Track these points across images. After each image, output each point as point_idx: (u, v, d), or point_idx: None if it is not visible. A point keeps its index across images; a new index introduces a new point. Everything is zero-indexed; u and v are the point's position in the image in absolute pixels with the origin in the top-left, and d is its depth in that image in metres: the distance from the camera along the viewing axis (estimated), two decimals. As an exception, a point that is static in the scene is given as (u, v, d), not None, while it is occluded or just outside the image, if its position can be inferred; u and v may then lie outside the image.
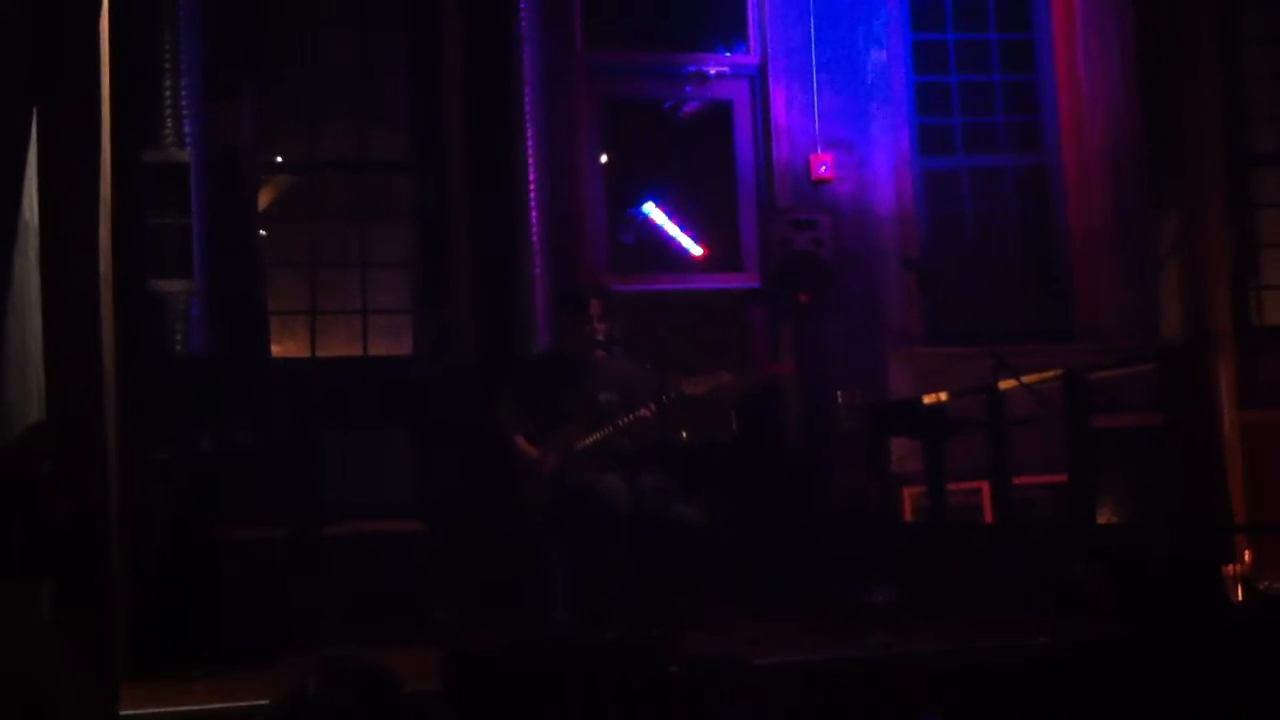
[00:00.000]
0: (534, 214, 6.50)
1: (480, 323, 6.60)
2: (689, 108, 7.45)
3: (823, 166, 7.24)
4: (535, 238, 6.51)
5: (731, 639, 5.07)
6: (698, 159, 7.49)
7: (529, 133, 6.53)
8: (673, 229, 7.40)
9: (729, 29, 7.43)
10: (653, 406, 5.37)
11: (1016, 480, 6.20)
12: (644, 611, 5.11)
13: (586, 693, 3.88)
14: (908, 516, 6.88)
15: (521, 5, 6.57)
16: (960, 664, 4.66)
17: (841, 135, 7.32)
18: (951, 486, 6.35)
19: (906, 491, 6.86)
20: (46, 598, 3.98)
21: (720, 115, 7.39)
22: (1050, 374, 5.98)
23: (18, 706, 1.89)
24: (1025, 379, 5.73)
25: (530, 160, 6.52)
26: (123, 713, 4.18)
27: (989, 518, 6.60)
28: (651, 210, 7.38)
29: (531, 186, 6.51)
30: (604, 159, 7.23)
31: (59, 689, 1.94)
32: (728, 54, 7.40)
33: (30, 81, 4.26)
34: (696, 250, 7.41)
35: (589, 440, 5.49)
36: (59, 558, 3.77)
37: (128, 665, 4.57)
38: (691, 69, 7.27)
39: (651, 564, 5.25)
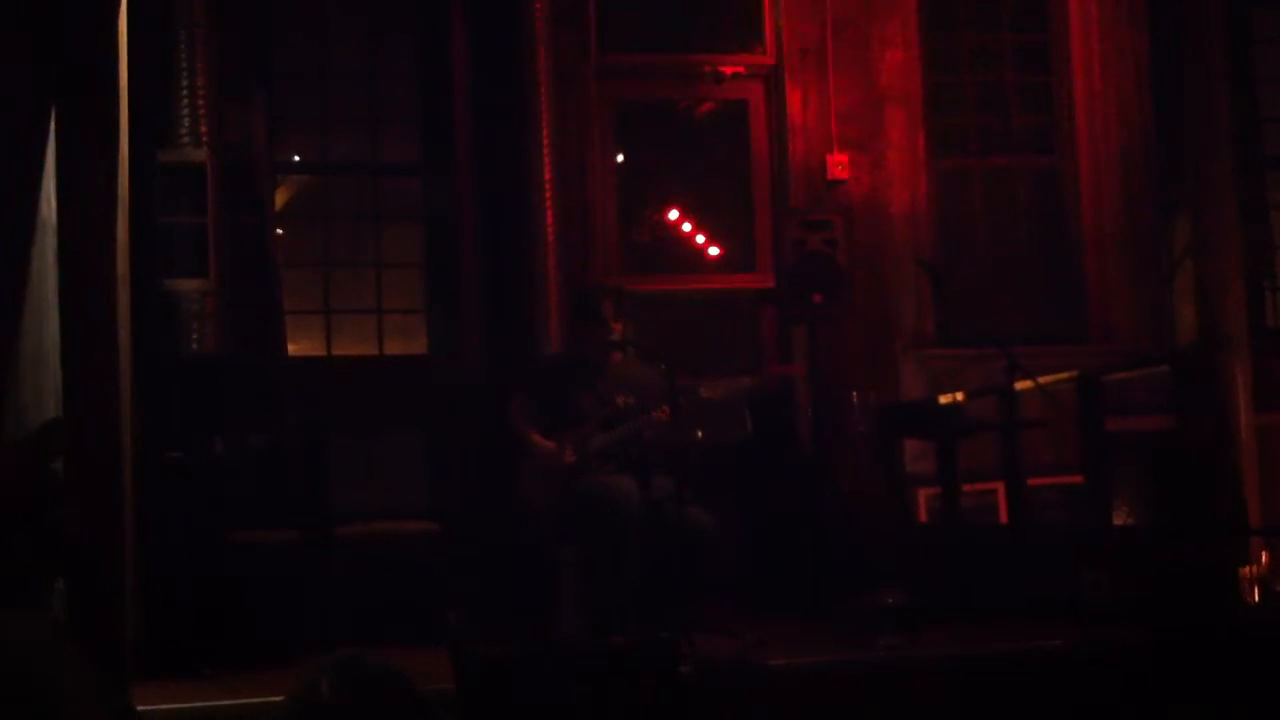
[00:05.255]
0: (549, 215, 6.51)
1: (493, 323, 6.61)
2: (704, 108, 7.45)
3: (838, 166, 7.23)
4: (550, 238, 6.52)
5: (743, 642, 5.06)
6: (712, 159, 7.49)
7: (544, 134, 6.54)
8: (687, 229, 7.40)
9: (744, 29, 7.43)
10: (667, 409, 5.37)
11: (1030, 482, 6.19)
12: (655, 614, 5.10)
13: (598, 696, 3.89)
14: (922, 517, 6.87)
15: (536, 5, 6.57)
16: (973, 668, 4.65)
17: (856, 135, 7.30)
18: (967, 487, 6.33)
19: (921, 492, 6.85)
20: (59, 597, 4.00)
21: (735, 115, 7.38)
22: (1065, 375, 5.97)
23: (25, 709, 1.89)
24: (1041, 380, 5.72)
25: (546, 161, 6.53)
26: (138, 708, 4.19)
27: (1005, 519, 6.59)
28: (666, 210, 7.38)
29: (547, 187, 6.52)
30: (618, 159, 7.23)
31: (67, 690, 1.95)
32: (743, 54, 7.39)
33: (49, 81, 4.29)
34: (711, 250, 7.41)
35: (603, 442, 5.49)
36: (69, 556, 3.79)
37: (139, 665, 4.58)
38: (706, 69, 7.27)
39: (663, 567, 5.24)
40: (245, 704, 4.25)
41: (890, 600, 5.44)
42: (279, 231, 6.75)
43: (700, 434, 6.07)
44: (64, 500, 3.77)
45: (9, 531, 3.27)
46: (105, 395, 4.26)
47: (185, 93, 5.97)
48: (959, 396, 6.18)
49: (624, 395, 5.54)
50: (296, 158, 7.00)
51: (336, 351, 6.84)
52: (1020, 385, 5.85)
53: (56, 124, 4.27)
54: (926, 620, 5.26)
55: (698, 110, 7.46)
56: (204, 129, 5.97)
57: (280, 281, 6.49)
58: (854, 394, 6.65)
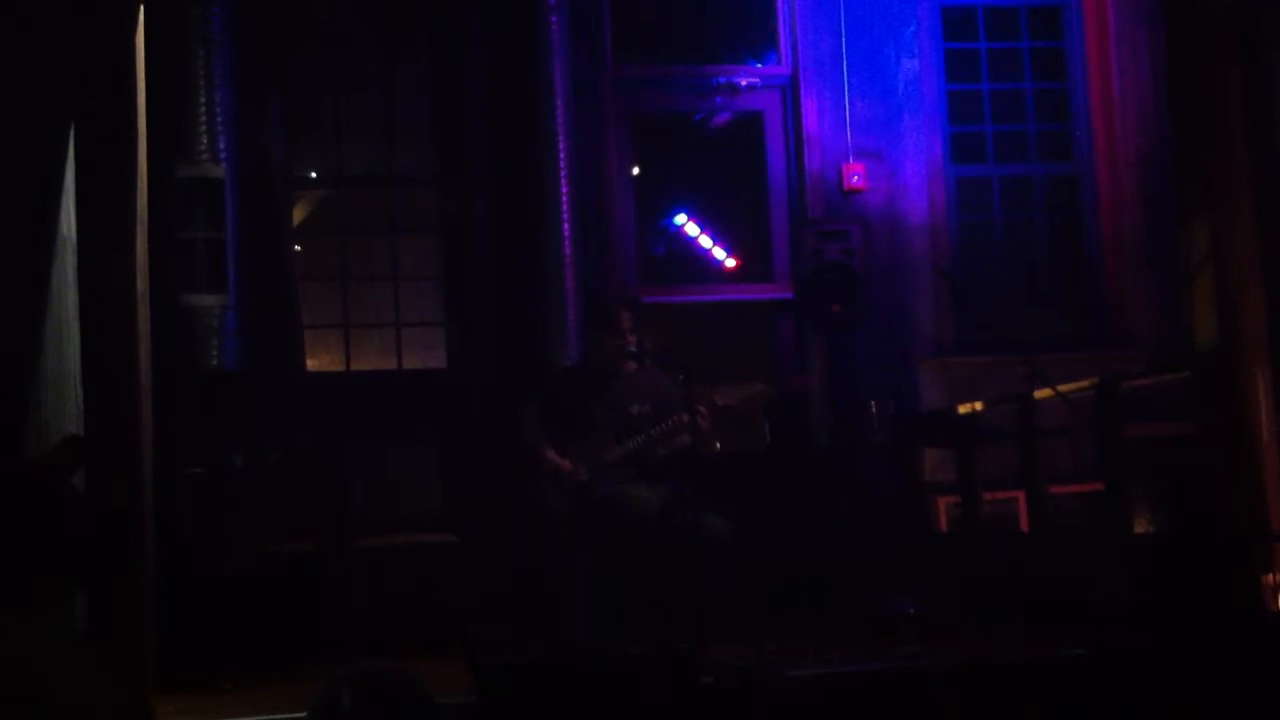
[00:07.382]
0: (566, 226, 6.52)
1: (510, 335, 6.61)
2: (719, 119, 7.46)
3: (854, 176, 7.23)
4: (567, 250, 6.53)
5: (761, 650, 5.06)
6: (728, 170, 7.50)
7: (561, 145, 6.55)
8: (704, 240, 7.41)
9: (759, 40, 7.44)
10: (684, 417, 5.37)
11: (1051, 489, 6.16)
12: (672, 623, 5.10)
13: (615, 705, 3.88)
14: (942, 526, 6.85)
15: (551, 18, 6.59)
16: (992, 675, 4.63)
17: (873, 145, 7.31)
18: (987, 495, 6.32)
19: (941, 501, 6.83)
20: (78, 609, 4.02)
21: (751, 126, 7.39)
22: (1084, 383, 5.94)
23: (35, 712, 1.90)
24: (1060, 388, 5.69)
25: (562, 173, 6.54)
26: (158, 724, 4.20)
27: (1025, 527, 6.57)
28: (682, 222, 7.39)
29: (564, 199, 6.52)
30: (634, 171, 7.25)
31: (84, 698, 1.96)
32: (758, 65, 7.41)
33: (67, 97, 4.32)
34: (728, 262, 7.41)
35: (620, 452, 5.50)
36: (87, 569, 3.80)
37: (159, 677, 4.60)
38: (722, 80, 7.28)
39: (680, 575, 5.24)
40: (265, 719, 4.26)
41: (910, 608, 5.43)
42: (296, 247, 6.77)
43: (718, 445, 6.06)
44: (83, 512, 3.79)
45: (27, 543, 3.30)
46: (125, 410, 4.29)
47: (203, 108, 6.00)
48: (977, 406, 6.16)
49: (638, 404, 5.54)
50: (314, 174, 7.02)
51: (355, 366, 6.85)
52: (1039, 394, 5.83)
53: (75, 140, 4.30)
54: (946, 628, 5.25)
55: (714, 121, 7.47)
56: (221, 144, 6.00)
57: (299, 295, 6.51)
58: (872, 402, 6.64)
